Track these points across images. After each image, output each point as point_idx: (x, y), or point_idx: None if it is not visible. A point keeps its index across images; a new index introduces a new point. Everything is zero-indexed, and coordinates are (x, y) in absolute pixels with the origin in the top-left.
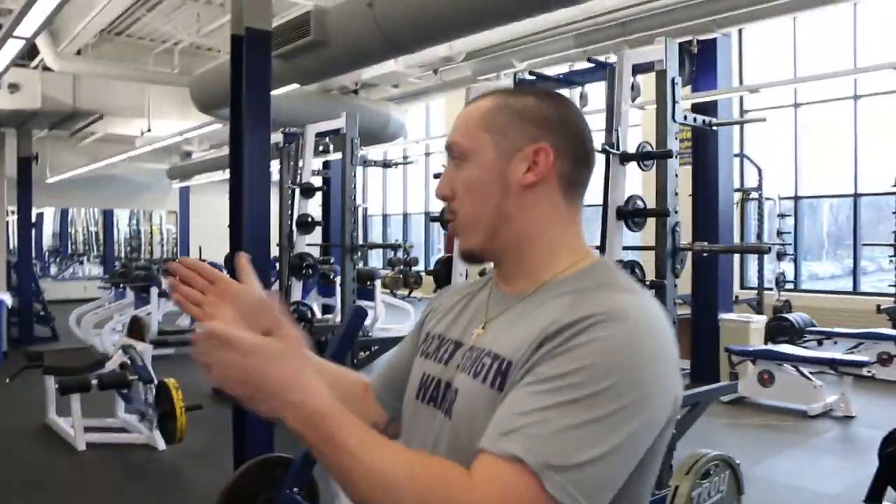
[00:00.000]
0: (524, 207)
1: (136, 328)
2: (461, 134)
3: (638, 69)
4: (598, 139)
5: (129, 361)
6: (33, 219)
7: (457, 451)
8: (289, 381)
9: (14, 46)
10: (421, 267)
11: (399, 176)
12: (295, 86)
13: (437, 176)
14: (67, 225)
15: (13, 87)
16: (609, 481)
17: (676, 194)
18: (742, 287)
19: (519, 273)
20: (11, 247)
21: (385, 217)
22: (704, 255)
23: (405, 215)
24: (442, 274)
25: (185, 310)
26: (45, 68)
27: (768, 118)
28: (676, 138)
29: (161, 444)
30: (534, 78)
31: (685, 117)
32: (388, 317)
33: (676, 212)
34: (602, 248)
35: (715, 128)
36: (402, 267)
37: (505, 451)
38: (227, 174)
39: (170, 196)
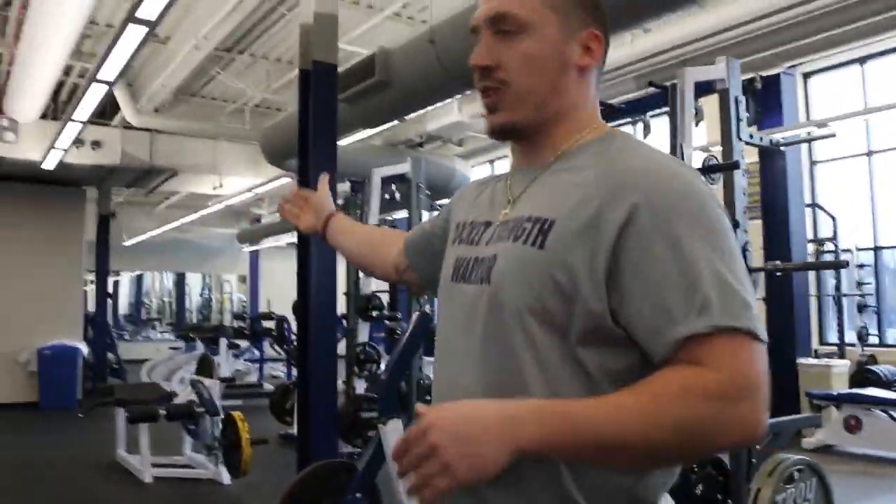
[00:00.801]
0: (573, 86)
1: (204, 366)
2: (518, 6)
3: (700, 89)
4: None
5: (196, 396)
6: (110, 285)
7: (494, 311)
8: (504, 409)
9: (97, 92)
10: None
11: None
12: (362, 134)
13: None
14: (142, 293)
15: (95, 144)
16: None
17: (745, 212)
18: (821, 343)
19: (545, 146)
20: (89, 308)
21: None
22: (778, 274)
23: None
24: None
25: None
26: (125, 126)
27: (839, 168)
28: (742, 156)
29: (226, 479)
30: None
31: (751, 136)
32: None
33: (746, 231)
34: None
35: (782, 147)
36: None
37: (718, 327)
38: (295, 236)
39: (240, 260)
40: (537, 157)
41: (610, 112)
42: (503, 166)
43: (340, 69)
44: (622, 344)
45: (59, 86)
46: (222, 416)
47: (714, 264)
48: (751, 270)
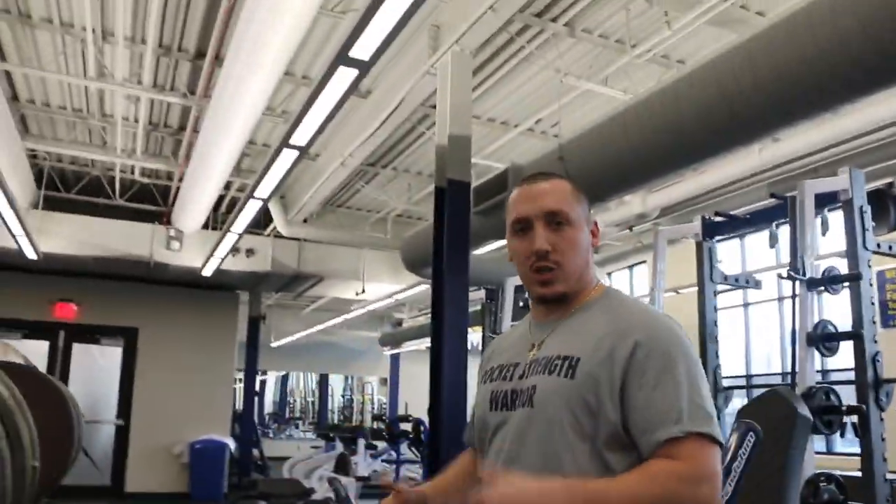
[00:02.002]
0: (589, 260)
1: (342, 464)
2: (564, 205)
3: (823, 200)
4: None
5: (333, 493)
6: (257, 384)
7: (539, 426)
8: (544, 488)
9: (253, 207)
10: None
11: None
12: (494, 245)
13: None
14: (287, 392)
15: (249, 252)
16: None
17: (874, 322)
18: None
19: (567, 304)
20: (237, 405)
21: None
22: None
23: None
24: None
25: None
26: (277, 236)
27: None
28: (869, 266)
29: None
30: (721, 219)
31: (878, 245)
32: None
33: (876, 341)
34: (792, 374)
35: None
36: None
37: (684, 430)
38: None
39: (381, 363)
40: (558, 312)
41: (734, 223)
42: (642, 272)
43: (475, 184)
44: (631, 447)
45: (220, 199)
46: None
47: (686, 388)
48: (882, 381)
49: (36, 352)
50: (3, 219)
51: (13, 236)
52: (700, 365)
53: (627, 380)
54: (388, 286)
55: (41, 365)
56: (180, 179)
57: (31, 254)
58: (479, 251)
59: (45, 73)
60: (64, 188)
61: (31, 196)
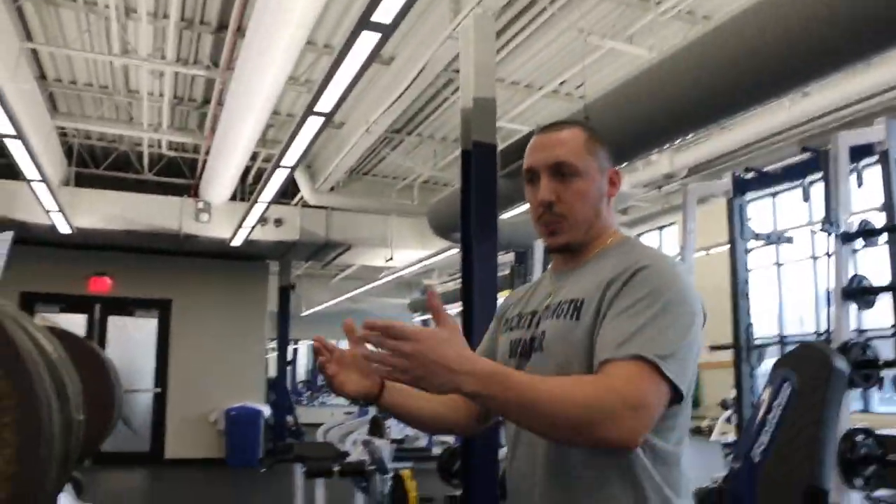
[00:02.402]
0: (605, 211)
1: (375, 427)
2: (571, 156)
3: (858, 152)
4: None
5: (368, 455)
6: (290, 353)
7: (550, 370)
8: (460, 356)
9: (280, 176)
10: None
11: None
12: (522, 208)
13: None
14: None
15: (278, 222)
16: (687, 368)
17: None
18: None
19: (584, 253)
20: (271, 373)
21: None
22: None
23: None
24: None
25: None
26: (304, 205)
27: None
28: None
29: None
30: (752, 174)
31: None
32: None
33: None
34: (827, 329)
35: None
36: None
37: (627, 353)
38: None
39: None
40: (575, 261)
41: (765, 179)
42: (672, 233)
43: (501, 147)
44: None
45: (247, 170)
46: (392, 474)
47: (656, 321)
48: None
49: (73, 325)
50: (36, 195)
51: (47, 212)
52: (693, 314)
53: (611, 298)
54: (416, 252)
55: None
56: (207, 152)
57: (64, 229)
58: (506, 214)
59: (71, 50)
60: (94, 164)
61: (63, 173)
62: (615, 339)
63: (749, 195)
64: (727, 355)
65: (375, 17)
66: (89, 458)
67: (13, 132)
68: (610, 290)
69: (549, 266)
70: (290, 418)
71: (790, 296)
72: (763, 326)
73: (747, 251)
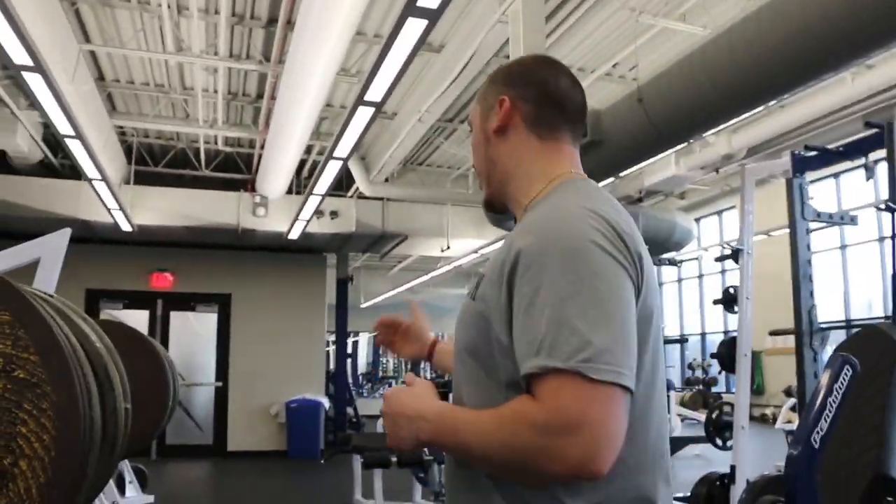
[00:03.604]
0: (500, 151)
1: None
2: (472, 112)
3: None
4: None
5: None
6: (350, 345)
7: (455, 356)
8: (415, 398)
9: (334, 167)
10: (722, 388)
11: (695, 294)
12: None
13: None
14: (379, 353)
15: (334, 214)
16: (621, 347)
17: None
18: None
19: (517, 207)
20: (331, 366)
21: (682, 339)
22: None
23: (703, 335)
24: (726, 356)
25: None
26: (360, 197)
27: None
28: None
29: None
30: (813, 153)
31: None
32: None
33: None
34: (894, 311)
35: None
36: (700, 387)
37: (539, 367)
38: None
39: None
40: (519, 218)
41: (826, 156)
42: (732, 217)
43: None
44: None
45: (302, 163)
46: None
47: (561, 310)
48: None
49: (136, 321)
50: (98, 194)
51: (108, 210)
52: (600, 278)
53: (512, 301)
54: (472, 241)
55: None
56: (262, 146)
57: (126, 227)
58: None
59: (127, 50)
60: (152, 162)
61: (123, 171)
62: (522, 352)
63: (810, 174)
64: (791, 341)
65: (421, 3)
66: (151, 448)
67: (73, 133)
68: (503, 281)
69: None
70: (350, 410)
71: (857, 279)
72: (829, 311)
73: (808, 232)
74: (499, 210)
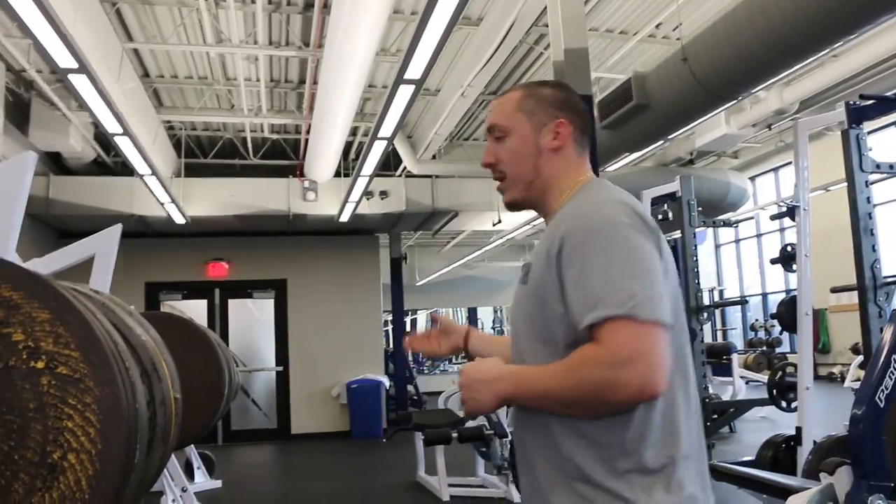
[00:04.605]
0: (550, 165)
1: None
2: (500, 118)
3: None
4: None
5: (487, 420)
6: (409, 323)
7: (514, 334)
8: (489, 365)
9: (379, 147)
10: (786, 348)
11: (754, 254)
12: (628, 158)
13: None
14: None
15: (383, 194)
16: (657, 295)
17: None
18: None
19: (548, 209)
20: (389, 345)
21: (742, 300)
22: None
23: (764, 295)
24: (786, 316)
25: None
26: (408, 175)
27: None
28: None
29: (517, 497)
30: (869, 102)
31: None
32: (749, 393)
33: None
34: None
35: None
36: (764, 348)
37: (602, 317)
38: None
39: None
40: (548, 219)
41: (884, 105)
42: (788, 174)
43: (600, 97)
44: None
45: (348, 146)
46: (510, 438)
47: (602, 272)
48: None
49: (196, 310)
50: (150, 189)
51: (161, 204)
52: (633, 250)
53: (562, 277)
54: (524, 214)
55: (201, 322)
56: (307, 131)
57: (179, 219)
58: (610, 167)
59: (169, 46)
60: (201, 154)
61: (173, 165)
62: (581, 311)
63: (869, 125)
64: (857, 297)
65: None
66: (217, 434)
67: (121, 131)
68: (552, 263)
69: None
70: (410, 388)
71: None
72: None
73: (868, 184)
74: (522, 209)
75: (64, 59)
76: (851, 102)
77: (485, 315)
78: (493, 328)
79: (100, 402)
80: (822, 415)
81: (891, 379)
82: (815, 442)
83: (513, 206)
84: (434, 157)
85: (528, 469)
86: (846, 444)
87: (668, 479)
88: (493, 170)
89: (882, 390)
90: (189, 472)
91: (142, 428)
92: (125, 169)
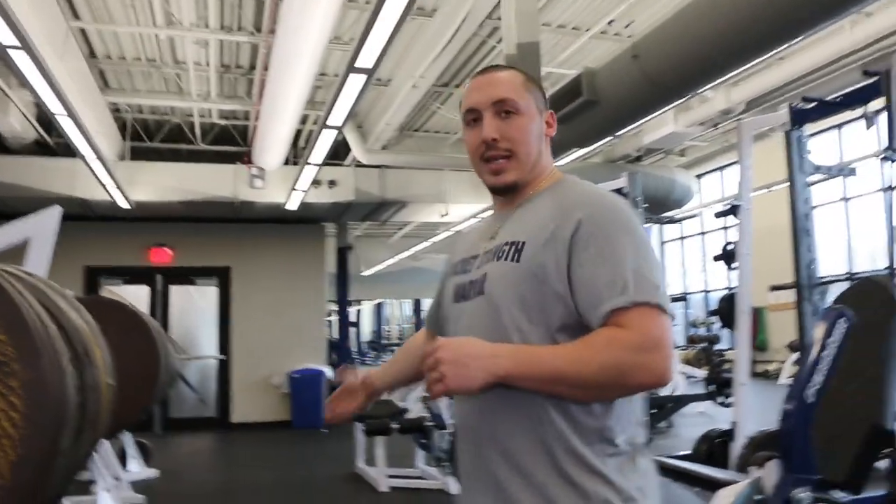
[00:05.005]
0: (544, 150)
1: None
2: (514, 93)
3: None
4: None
5: (427, 412)
6: (353, 314)
7: (489, 313)
8: (484, 345)
9: (328, 136)
10: (726, 345)
11: (698, 252)
12: (576, 154)
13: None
14: (382, 320)
15: (332, 183)
16: (665, 289)
17: None
18: None
19: (523, 193)
20: (333, 335)
21: (685, 296)
22: None
23: (706, 293)
24: (726, 313)
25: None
26: (357, 165)
27: None
28: None
29: (455, 489)
30: (811, 105)
31: None
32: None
33: None
34: (891, 263)
35: None
36: (705, 344)
37: (632, 302)
38: None
39: None
40: (512, 203)
41: (824, 108)
42: (732, 173)
43: (550, 92)
44: (582, 329)
45: (298, 134)
46: (450, 430)
47: (630, 260)
48: None
49: (137, 296)
50: (93, 171)
51: (105, 188)
52: (648, 242)
53: (572, 257)
54: (471, 206)
55: (143, 309)
56: (257, 118)
57: (123, 203)
58: (561, 161)
59: (117, 26)
60: (147, 138)
61: (118, 148)
62: (600, 294)
63: (812, 127)
64: (793, 296)
65: None
66: (155, 422)
67: (64, 111)
68: (561, 244)
69: (494, 207)
70: None
71: (861, 232)
72: (832, 265)
73: (808, 185)
74: (510, 193)
75: (5, 36)
76: (794, 105)
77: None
78: None
79: (25, 386)
80: (757, 411)
81: (821, 375)
82: (747, 438)
83: (509, 188)
84: (384, 147)
85: (499, 453)
86: (776, 439)
87: (635, 462)
88: (494, 147)
89: (812, 386)
90: (123, 460)
91: (70, 413)
92: (68, 150)
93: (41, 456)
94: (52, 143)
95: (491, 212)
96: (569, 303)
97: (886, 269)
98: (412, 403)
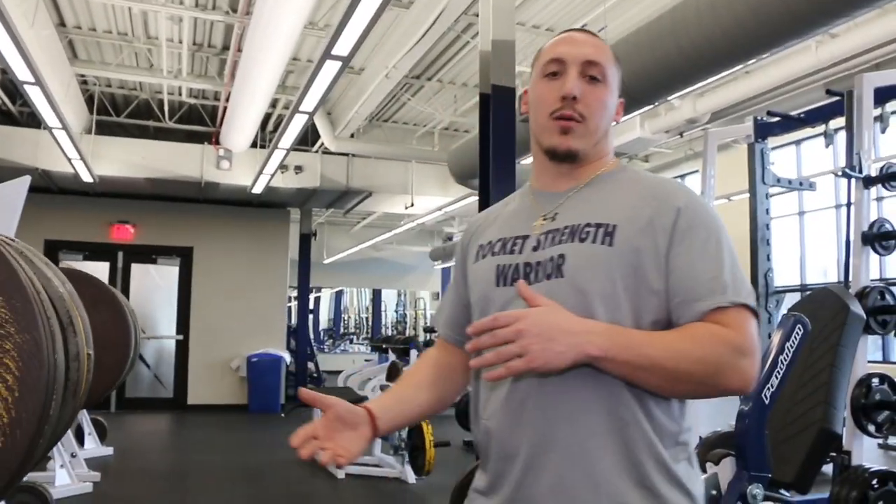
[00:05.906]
0: (610, 132)
1: (394, 372)
2: (606, 61)
3: (882, 95)
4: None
5: None
6: (312, 301)
7: (570, 297)
8: (574, 318)
9: (299, 121)
10: None
11: None
12: None
13: None
14: (341, 309)
15: (298, 169)
16: None
17: None
18: None
19: (580, 173)
20: (292, 321)
21: None
22: None
23: None
24: None
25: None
26: (325, 152)
27: None
28: None
29: (411, 479)
30: (775, 119)
31: None
32: None
33: None
34: (846, 275)
35: None
36: None
37: (734, 302)
38: None
39: (432, 277)
40: (572, 181)
41: (787, 123)
42: (695, 182)
43: (521, 91)
44: (670, 326)
45: (267, 117)
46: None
47: (728, 261)
48: None
49: (96, 273)
50: (58, 143)
51: (69, 160)
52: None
53: (672, 247)
54: (437, 199)
55: None
56: (227, 99)
57: (86, 177)
58: (526, 161)
59: None
60: (115, 112)
61: (84, 121)
62: (701, 289)
63: (771, 140)
64: None
65: None
66: (110, 401)
67: (32, 79)
68: (662, 232)
69: (525, 190)
70: (311, 365)
71: (814, 245)
72: (786, 276)
73: (768, 196)
74: (568, 161)
75: None
76: (759, 118)
77: (388, 297)
78: (397, 311)
79: (20, 349)
80: (710, 412)
81: (776, 378)
82: (700, 437)
83: (572, 154)
84: (353, 135)
85: (567, 457)
86: (729, 439)
87: (694, 466)
88: (571, 106)
89: (768, 388)
90: (80, 437)
91: (59, 380)
92: (32, 120)
93: (34, 419)
94: (15, 112)
95: (524, 191)
96: (663, 298)
97: (840, 282)
98: (370, 392)
